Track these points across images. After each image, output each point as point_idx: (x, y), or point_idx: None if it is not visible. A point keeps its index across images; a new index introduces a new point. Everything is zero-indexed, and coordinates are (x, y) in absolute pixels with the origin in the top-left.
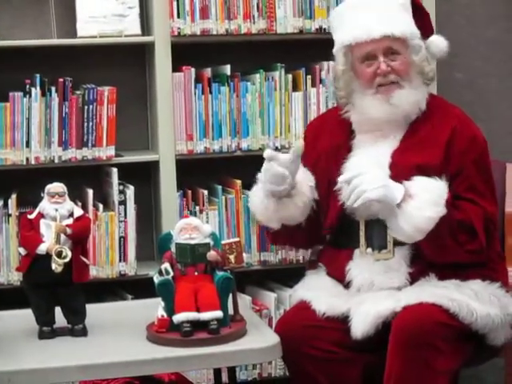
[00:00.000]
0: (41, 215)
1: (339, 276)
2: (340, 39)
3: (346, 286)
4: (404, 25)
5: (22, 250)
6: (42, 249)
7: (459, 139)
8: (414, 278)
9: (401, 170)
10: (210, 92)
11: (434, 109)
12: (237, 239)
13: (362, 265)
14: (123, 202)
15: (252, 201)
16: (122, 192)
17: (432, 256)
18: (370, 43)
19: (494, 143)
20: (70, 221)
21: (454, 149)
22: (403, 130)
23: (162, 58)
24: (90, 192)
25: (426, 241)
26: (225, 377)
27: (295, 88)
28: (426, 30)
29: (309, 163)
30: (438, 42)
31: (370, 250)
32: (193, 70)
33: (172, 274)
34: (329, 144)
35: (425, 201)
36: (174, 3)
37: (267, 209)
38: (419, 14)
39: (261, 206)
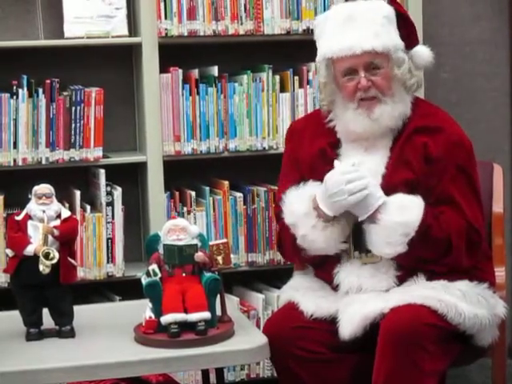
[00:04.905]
0: (28, 216)
1: (327, 279)
2: (322, 51)
3: (334, 288)
4: (387, 39)
5: (10, 252)
6: (29, 250)
7: (443, 143)
8: (401, 281)
9: (391, 183)
10: (198, 93)
11: (419, 114)
12: (224, 240)
13: (349, 268)
14: (111, 204)
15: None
16: (109, 193)
17: (408, 265)
18: (350, 58)
19: (480, 143)
20: (58, 222)
21: (438, 153)
22: (390, 140)
23: (150, 59)
24: (78, 193)
25: (401, 255)
26: (213, 378)
27: (282, 89)
28: (410, 40)
29: (294, 167)
30: (422, 53)
31: (357, 253)
32: (180, 71)
33: (159, 275)
34: (312, 150)
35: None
36: (162, 4)
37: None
38: (404, 25)
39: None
